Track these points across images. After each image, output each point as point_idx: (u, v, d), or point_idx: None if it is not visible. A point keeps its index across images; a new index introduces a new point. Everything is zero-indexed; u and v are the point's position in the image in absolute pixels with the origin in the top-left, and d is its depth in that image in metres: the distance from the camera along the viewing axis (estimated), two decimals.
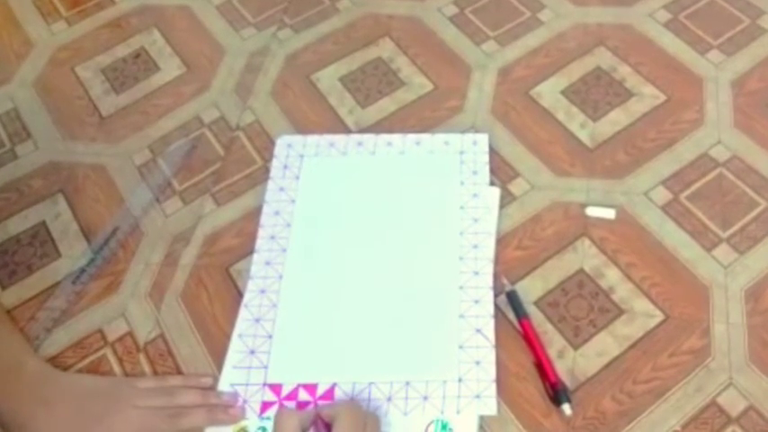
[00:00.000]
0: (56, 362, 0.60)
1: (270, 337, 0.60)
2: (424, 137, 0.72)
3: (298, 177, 0.70)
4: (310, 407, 0.55)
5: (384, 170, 0.70)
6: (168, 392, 0.56)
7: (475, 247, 0.63)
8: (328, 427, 0.49)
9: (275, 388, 0.57)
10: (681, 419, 0.54)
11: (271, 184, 0.70)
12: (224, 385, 0.58)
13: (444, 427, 0.54)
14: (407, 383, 0.56)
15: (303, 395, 0.56)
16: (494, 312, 0.59)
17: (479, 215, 0.65)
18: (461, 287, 0.61)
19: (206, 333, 0.61)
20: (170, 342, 0.61)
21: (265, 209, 0.68)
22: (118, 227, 0.68)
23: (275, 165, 0.71)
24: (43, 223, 0.70)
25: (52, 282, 0.65)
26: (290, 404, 0.56)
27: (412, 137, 0.72)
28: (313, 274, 0.63)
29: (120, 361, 0.60)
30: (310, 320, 0.61)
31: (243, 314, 0.61)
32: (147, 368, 0.60)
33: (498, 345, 0.58)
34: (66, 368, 0.60)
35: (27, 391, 0.55)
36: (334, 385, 0.57)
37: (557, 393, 0.55)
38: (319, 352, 0.59)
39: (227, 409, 0.55)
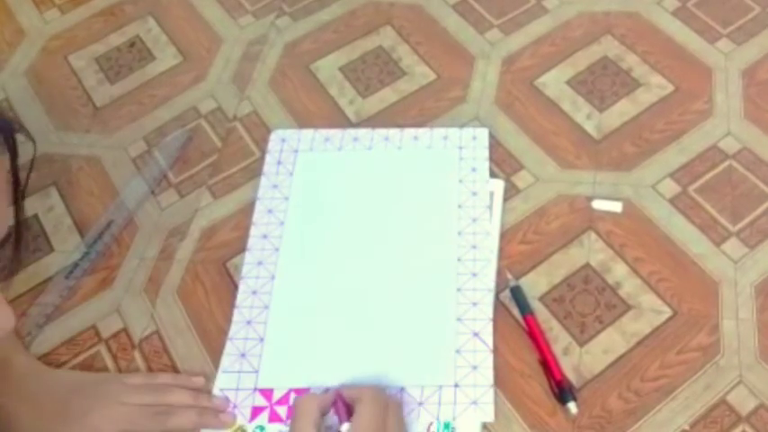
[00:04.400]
0: (49, 359, 0.59)
1: (261, 340, 0.58)
2: (423, 131, 0.70)
3: (291, 174, 0.68)
4: (330, 390, 0.53)
5: (381, 166, 0.68)
6: (157, 390, 0.55)
7: (474, 247, 0.62)
8: (348, 407, 0.49)
9: (266, 393, 0.56)
10: (689, 418, 0.53)
11: (264, 181, 0.68)
12: (214, 389, 0.56)
13: (447, 426, 0.53)
14: (402, 389, 0.55)
15: None
16: (492, 316, 0.58)
17: (478, 214, 0.64)
18: (459, 289, 0.59)
19: (203, 330, 0.60)
20: (166, 339, 0.60)
21: (258, 206, 0.66)
22: (112, 220, 0.67)
23: (268, 160, 0.69)
24: (35, 217, 0.69)
25: (45, 277, 0.64)
26: (281, 409, 0.54)
27: (410, 131, 0.70)
28: (306, 276, 0.62)
29: (115, 358, 0.59)
30: (303, 323, 0.59)
31: (235, 316, 0.60)
32: (142, 365, 0.59)
33: (502, 341, 0.57)
34: (59, 365, 0.59)
35: (14, 388, 0.54)
36: (326, 390, 0.55)
37: (562, 391, 0.54)
38: (312, 356, 0.57)
39: (218, 414, 0.54)
